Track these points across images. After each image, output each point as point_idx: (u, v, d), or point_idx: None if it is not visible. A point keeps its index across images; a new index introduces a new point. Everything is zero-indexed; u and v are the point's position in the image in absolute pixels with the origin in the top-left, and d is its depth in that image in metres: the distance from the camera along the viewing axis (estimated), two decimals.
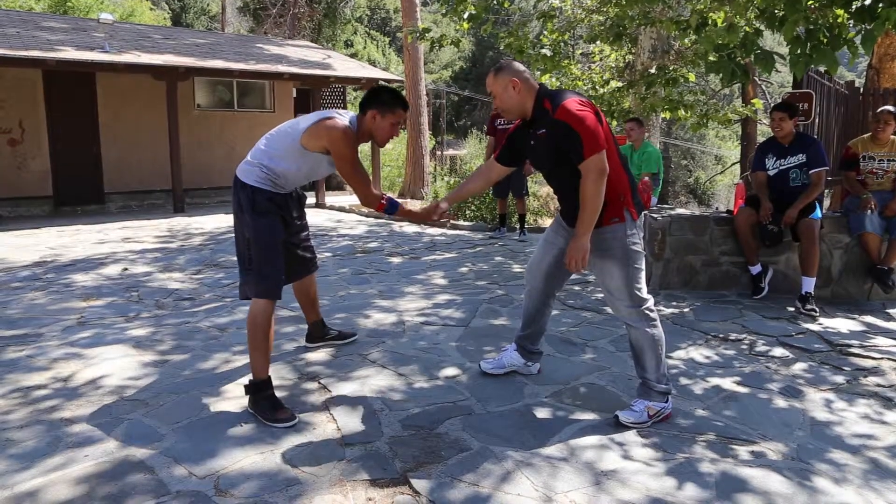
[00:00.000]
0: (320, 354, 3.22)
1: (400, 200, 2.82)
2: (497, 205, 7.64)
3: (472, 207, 9.77)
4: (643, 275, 2.47)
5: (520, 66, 2.47)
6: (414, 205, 11.63)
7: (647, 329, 2.47)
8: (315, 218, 8.66)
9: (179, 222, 8.34)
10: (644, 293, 2.46)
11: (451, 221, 8.27)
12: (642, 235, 2.49)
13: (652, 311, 2.48)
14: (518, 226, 7.10)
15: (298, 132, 2.56)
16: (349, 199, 11.91)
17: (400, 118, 2.66)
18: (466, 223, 8.37)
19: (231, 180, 2.74)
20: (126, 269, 5.32)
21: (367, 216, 9.46)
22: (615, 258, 2.42)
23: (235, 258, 2.67)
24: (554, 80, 8.29)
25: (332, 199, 11.19)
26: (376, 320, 3.83)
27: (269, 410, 2.48)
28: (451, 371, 3.01)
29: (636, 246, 2.43)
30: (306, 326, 3.34)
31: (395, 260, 5.79)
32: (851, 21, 3.65)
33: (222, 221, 8.20)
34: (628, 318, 2.48)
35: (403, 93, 10.80)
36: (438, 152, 24.42)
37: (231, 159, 10.85)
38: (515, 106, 2.45)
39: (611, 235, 2.41)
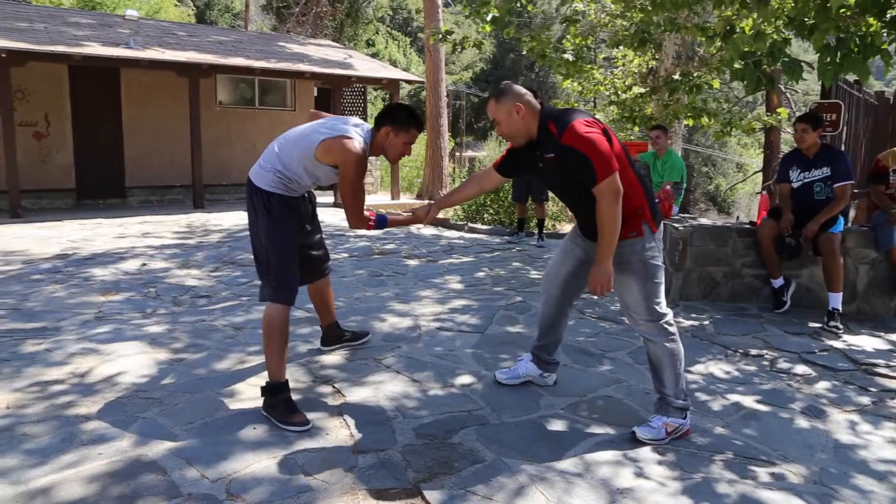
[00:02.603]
0: (335, 357, 3.22)
1: (385, 212, 2.82)
2: (516, 209, 7.61)
3: (491, 211, 9.75)
4: (662, 288, 2.43)
5: (521, 90, 2.42)
6: None
7: (666, 343, 2.43)
8: (332, 218, 8.70)
9: (199, 218, 8.43)
10: (663, 307, 2.43)
11: (469, 224, 8.25)
12: (662, 247, 2.46)
13: (671, 325, 2.44)
14: (537, 231, 7.06)
15: (313, 143, 2.56)
16: (369, 198, 11.93)
17: (413, 138, 2.69)
18: (484, 227, 8.35)
19: (247, 174, 2.76)
20: (144, 264, 5.36)
21: None
22: (634, 272, 2.38)
23: (252, 256, 2.69)
24: (576, 84, 8.24)
25: None
26: (392, 324, 3.82)
27: (285, 413, 2.48)
28: (466, 379, 2.99)
29: (655, 259, 2.39)
30: (321, 328, 3.35)
31: (412, 262, 5.79)
32: (885, 30, 3.56)
33: (241, 218, 8.27)
34: (646, 333, 2.45)
35: (423, 94, 10.81)
36: (458, 153, 24.39)
37: (251, 156, 10.89)
38: (520, 131, 2.42)
39: (629, 250, 2.37)
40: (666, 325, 2.43)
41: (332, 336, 3.31)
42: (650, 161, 6.13)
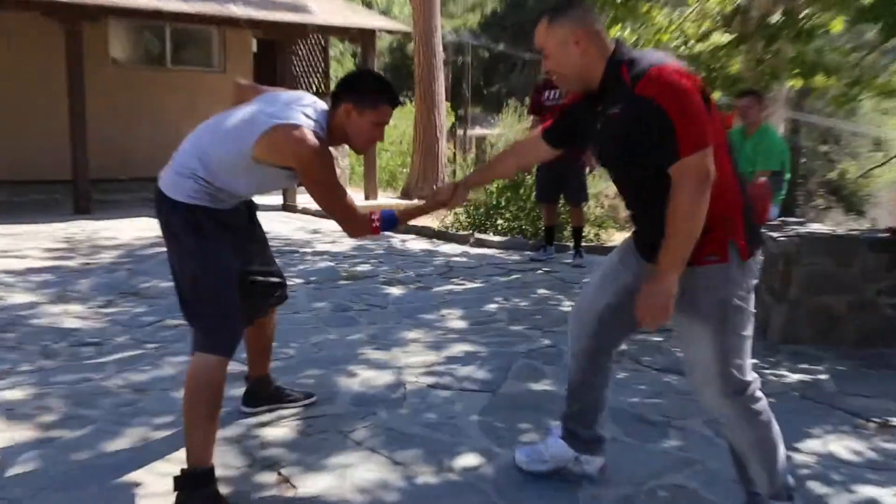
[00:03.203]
0: (282, 430, 3.23)
1: (393, 205, 2.87)
2: (542, 213, 7.62)
3: (508, 215, 9.75)
4: (748, 347, 2.37)
5: (590, 13, 2.42)
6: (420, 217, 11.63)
7: (751, 429, 2.40)
8: (282, 227, 8.74)
9: (83, 228, 8.45)
10: (747, 374, 2.37)
11: (476, 236, 8.29)
12: (754, 282, 2.37)
13: (757, 399, 2.39)
14: (572, 244, 7.06)
15: (250, 137, 2.59)
16: None
17: (385, 116, 2.76)
18: (496, 238, 8.36)
19: (161, 168, 2.81)
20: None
21: None
22: (705, 317, 2.32)
23: (162, 283, 2.73)
24: (628, 31, 8.31)
25: (306, 199, 11.26)
26: (364, 380, 3.84)
27: None
28: (470, 460, 2.99)
29: (742, 301, 2.32)
30: (246, 380, 3.43)
31: (395, 291, 5.76)
32: None
33: (146, 228, 8.19)
34: (719, 410, 2.42)
35: (410, 48, 10.82)
36: (460, 132, 24.55)
37: (161, 139, 10.94)
38: (576, 71, 2.38)
39: (704, 282, 2.30)
40: (749, 403, 2.38)
41: (261, 393, 3.39)
42: (737, 141, 6.17)
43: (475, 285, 6.06)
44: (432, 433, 3.24)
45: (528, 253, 7.40)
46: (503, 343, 4.49)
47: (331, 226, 9.28)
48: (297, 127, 2.57)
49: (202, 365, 2.62)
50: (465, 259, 7.22)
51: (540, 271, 6.57)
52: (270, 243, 3.24)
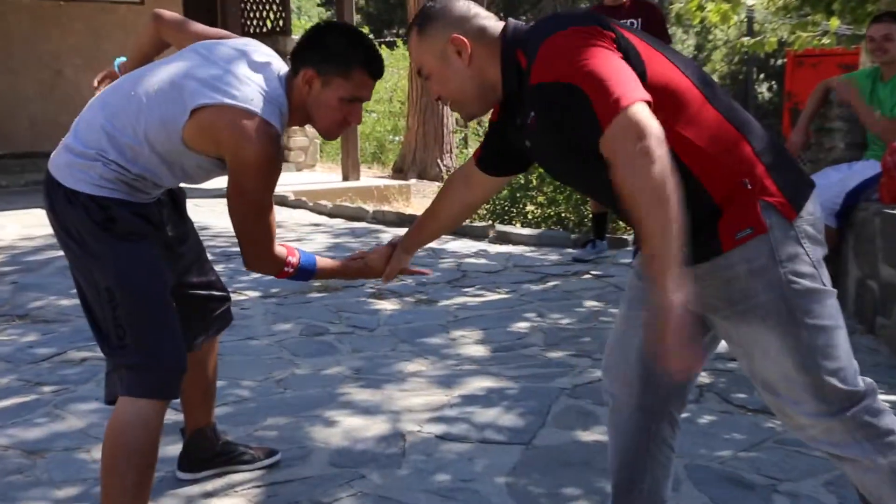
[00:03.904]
0: (236, 502, 3.24)
1: (312, 255, 2.95)
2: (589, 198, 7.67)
3: (540, 199, 9.83)
4: (840, 339, 2.35)
5: (460, 6, 2.47)
6: (420, 202, 11.57)
7: (877, 454, 2.38)
8: (220, 220, 8.54)
9: None
10: (851, 379, 2.35)
11: (498, 228, 8.33)
12: (821, 251, 2.35)
13: (878, 412, 2.38)
14: (633, 238, 7.00)
15: (177, 120, 2.60)
16: (298, 177, 11.93)
17: (360, 89, 2.75)
18: (525, 231, 8.39)
19: (53, 141, 2.82)
20: None
21: (332, 214, 9.48)
22: (762, 314, 2.31)
23: (62, 300, 2.76)
24: None
25: None
26: (348, 430, 3.86)
27: None
28: None
29: (805, 278, 2.29)
30: (182, 433, 3.42)
31: (387, 306, 5.77)
32: None
33: (36, 225, 8.13)
34: (826, 442, 2.40)
35: None
36: None
37: (53, 99, 11.04)
38: (470, 88, 2.49)
39: (743, 267, 2.29)
40: (866, 417, 2.36)
41: (204, 452, 3.38)
42: (865, 87, 6.12)
43: (497, 296, 6.05)
44: (444, 502, 3.23)
45: (571, 251, 7.44)
46: (538, 376, 4.48)
47: (298, 217, 9.26)
48: (249, 115, 2.57)
49: (129, 413, 2.61)
50: (482, 260, 7.22)
51: (587, 275, 6.56)
52: (211, 243, 3.25)
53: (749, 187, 2.26)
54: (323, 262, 2.94)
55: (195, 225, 3.24)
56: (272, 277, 2.96)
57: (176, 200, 3.03)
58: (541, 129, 2.35)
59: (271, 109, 2.62)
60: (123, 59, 3.16)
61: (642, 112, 2.07)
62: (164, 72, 2.68)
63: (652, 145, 2.02)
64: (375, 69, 2.75)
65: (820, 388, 2.31)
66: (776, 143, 2.40)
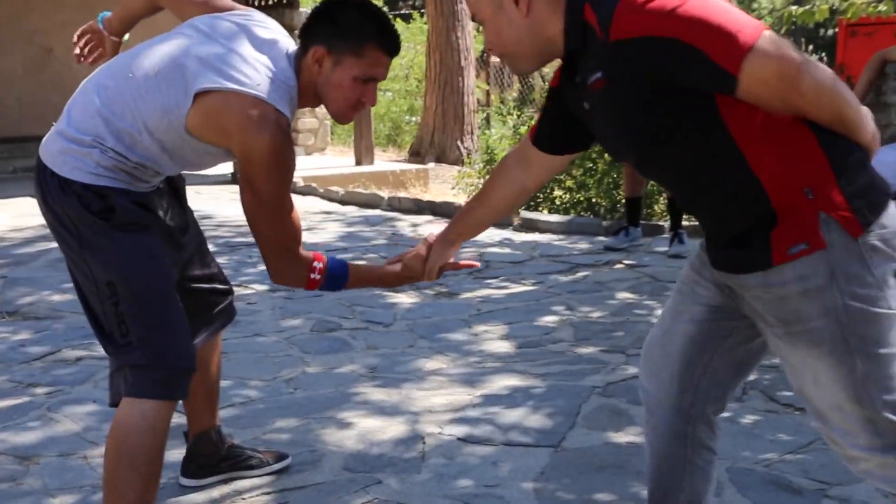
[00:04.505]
0: None
1: (346, 260, 3.00)
2: (623, 181, 7.71)
3: (570, 183, 9.87)
4: None
5: None
6: (439, 188, 11.55)
7: None
8: (230, 208, 8.72)
9: None
10: None
11: (523, 214, 8.44)
12: (893, 266, 2.28)
13: None
14: (669, 223, 7.13)
15: (181, 106, 2.56)
16: (308, 161, 11.89)
17: (374, 68, 2.69)
18: (553, 218, 8.49)
19: (43, 123, 2.74)
20: None
21: (344, 201, 9.43)
22: (815, 339, 2.25)
23: (55, 296, 2.69)
24: None
25: None
26: (364, 432, 3.85)
27: None
28: None
29: (866, 302, 2.22)
30: (186, 437, 3.42)
31: (404, 299, 5.82)
32: None
33: (26, 214, 8.32)
34: (877, 475, 2.35)
35: None
36: (495, 58, 24.38)
37: (43, 79, 11.04)
38: (525, 41, 2.40)
39: (798, 288, 2.22)
40: None
41: (209, 457, 3.38)
42: None
43: (523, 288, 6.09)
44: None
45: (602, 239, 7.50)
46: (567, 374, 4.48)
47: (308, 204, 9.28)
48: (257, 102, 2.54)
49: (134, 415, 2.62)
50: (507, 249, 7.29)
51: (620, 265, 6.61)
52: (215, 233, 3.22)
53: (811, 197, 2.20)
54: (356, 268, 2.92)
55: (196, 214, 3.25)
56: None
57: (175, 188, 3.02)
58: (609, 91, 2.29)
59: (281, 95, 2.60)
60: (108, 13, 3.12)
61: (774, 38, 2.10)
62: (163, 50, 2.66)
63: (801, 58, 2.10)
64: (390, 45, 2.70)
65: (874, 421, 2.27)
66: (848, 143, 2.28)
